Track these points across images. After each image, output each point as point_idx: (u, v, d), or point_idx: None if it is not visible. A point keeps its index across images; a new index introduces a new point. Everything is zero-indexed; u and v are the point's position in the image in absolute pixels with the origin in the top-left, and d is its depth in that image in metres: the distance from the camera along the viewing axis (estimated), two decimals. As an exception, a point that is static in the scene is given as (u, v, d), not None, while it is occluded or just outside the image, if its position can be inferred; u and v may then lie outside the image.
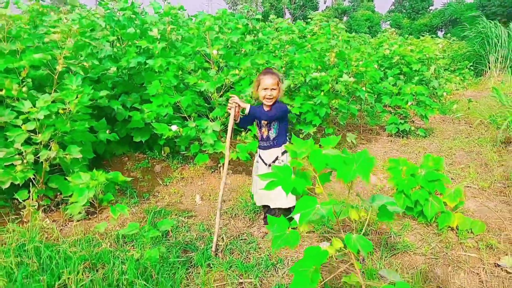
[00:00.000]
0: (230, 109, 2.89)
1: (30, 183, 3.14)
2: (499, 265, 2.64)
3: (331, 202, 1.57)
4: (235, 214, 3.54)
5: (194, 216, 3.50)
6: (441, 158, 3.21)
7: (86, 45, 3.93)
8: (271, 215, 3.18)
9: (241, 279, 2.53)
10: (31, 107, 2.96)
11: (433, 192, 3.18)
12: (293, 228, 1.71)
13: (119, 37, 4.47)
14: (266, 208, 3.27)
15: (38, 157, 3.09)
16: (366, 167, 1.56)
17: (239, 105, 2.91)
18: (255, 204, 3.41)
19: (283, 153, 3.05)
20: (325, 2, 55.72)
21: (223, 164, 4.46)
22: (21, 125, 2.99)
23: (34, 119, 2.98)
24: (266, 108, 3.03)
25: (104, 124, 3.87)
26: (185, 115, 4.24)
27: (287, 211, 3.04)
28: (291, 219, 2.01)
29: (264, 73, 2.99)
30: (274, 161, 3.05)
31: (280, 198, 2.97)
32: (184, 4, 5.29)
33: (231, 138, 2.90)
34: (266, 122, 3.05)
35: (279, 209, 3.09)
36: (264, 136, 3.09)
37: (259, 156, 3.18)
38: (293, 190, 1.70)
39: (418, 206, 3.21)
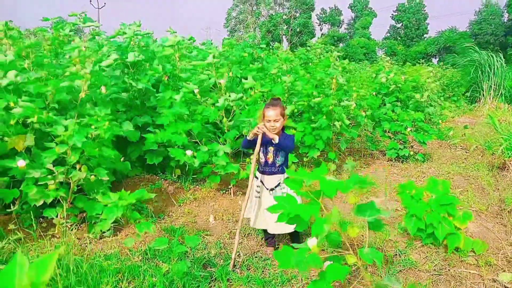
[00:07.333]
0: (257, 134, 3.06)
1: (57, 203, 3.34)
2: (497, 281, 2.85)
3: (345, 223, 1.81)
4: (247, 234, 3.73)
5: (209, 235, 3.69)
6: (449, 182, 3.41)
7: (101, 74, 4.24)
8: (271, 239, 3.37)
9: (259, 292, 2.72)
10: (65, 131, 3.19)
11: (444, 215, 3.34)
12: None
13: (129, 64, 4.80)
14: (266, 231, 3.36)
15: (68, 178, 3.31)
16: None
17: (265, 134, 3.07)
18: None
19: (285, 178, 3.18)
20: (321, 29, 57.10)
21: (234, 185, 4.72)
22: (55, 147, 3.20)
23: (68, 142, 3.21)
24: (271, 137, 3.11)
25: (121, 150, 4.11)
26: (196, 140, 4.49)
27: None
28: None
29: (267, 106, 3.14)
30: (276, 186, 3.17)
31: (279, 224, 3.07)
32: (183, 31, 5.64)
33: (256, 160, 3.14)
34: (273, 149, 3.18)
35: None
36: (270, 162, 3.20)
37: (261, 181, 3.22)
38: (299, 219, 1.87)
39: (429, 228, 3.30)
